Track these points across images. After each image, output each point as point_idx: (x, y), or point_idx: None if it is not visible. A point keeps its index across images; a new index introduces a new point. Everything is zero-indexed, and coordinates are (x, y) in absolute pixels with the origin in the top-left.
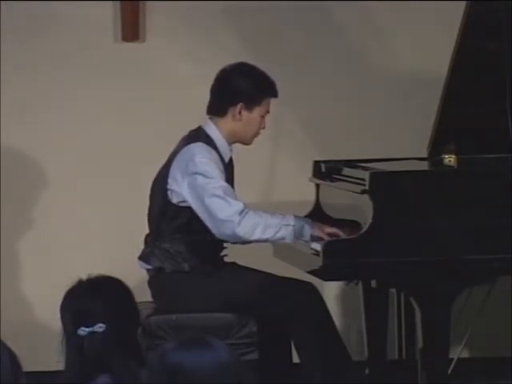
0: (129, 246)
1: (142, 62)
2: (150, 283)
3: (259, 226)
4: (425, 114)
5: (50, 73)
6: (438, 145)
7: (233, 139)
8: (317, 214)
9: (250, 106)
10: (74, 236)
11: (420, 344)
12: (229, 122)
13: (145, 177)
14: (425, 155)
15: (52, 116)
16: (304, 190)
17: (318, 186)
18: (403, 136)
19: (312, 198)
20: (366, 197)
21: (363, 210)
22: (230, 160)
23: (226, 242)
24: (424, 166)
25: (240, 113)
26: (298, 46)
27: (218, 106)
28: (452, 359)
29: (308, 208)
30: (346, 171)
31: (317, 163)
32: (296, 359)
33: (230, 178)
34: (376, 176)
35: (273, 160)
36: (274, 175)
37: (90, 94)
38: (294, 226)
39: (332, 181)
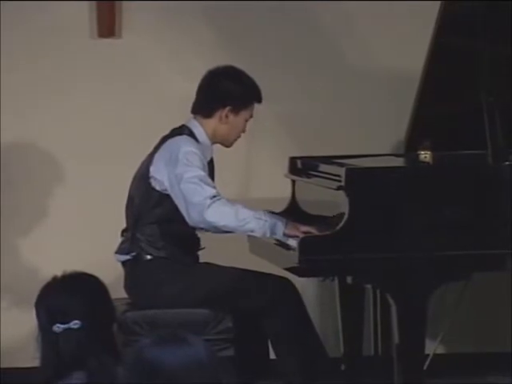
0: (105, 242)
1: (118, 58)
2: (127, 274)
3: (229, 214)
4: (401, 110)
5: (28, 69)
6: (413, 141)
7: (215, 140)
8: (293, 211)
9: (237, 110)
10: (51, 231)
11: (396, 340)
12: (214, 124)
13: (121, 174)
14: (401, 152)
15: (29, 112)
16: (280, 187)
17: (294, 182)
18: (379, 132)
19: (288, 194)
20: (341, 193)
21: (339, 206)
22: (211, 160)
23: (200, 229)
24: (400, 162)
25: (227, 116)
26: (275, 44)
27: (205, 107)
28: (428, 355)
29: (284, 204)
30: (322, 167)
31: (293, 159)
32: (273, 355)
33: (210, 178)
34: (352, 172)
35: (249, 156)
36: (249, 171)
37: (66, 89)
38: (266, 221)
39: (308, 177)
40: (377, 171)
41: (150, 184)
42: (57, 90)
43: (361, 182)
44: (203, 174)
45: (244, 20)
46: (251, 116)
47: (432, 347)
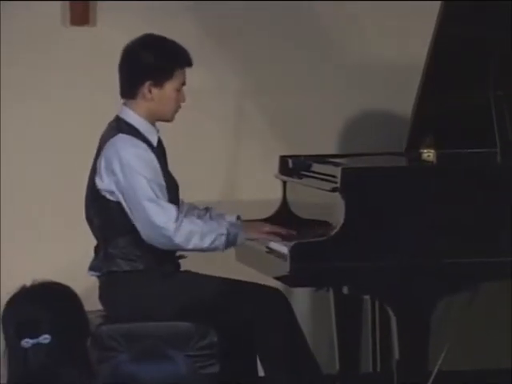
0: (79, 250)
1: (92, 47)
2: (102, 285)
3: (196, 234)
4: (401, 107)
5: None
6: (415, 139)
7: (153, 119)
8: (284, 214)
9: (160, 83)
10: (24, 238)
11: (396, 355)
12: (142, 103)
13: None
14: (401, 150)
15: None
16: (270, 188)
17: (284, 183)
18: (377, 129)
19: (278, 196)
20: (337, 195)
21: (334, 209)
22: (159, 142)
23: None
24: (401, 161)
25: (150, 91)
26: (263, 42)
27: (127, 88)
28: (431, 372)
29: (274, 207)
30: (316, 167)
31: (283, 158)
32: (262, 372)
33: (161, 162)
34: (348, 172)
35: (236, 155)
36: (237, 172)
37: (42, 79)
38: (228, 234)
39: (300, 178)
40: (376, 171)
41: (103, 197)
42: (30, 80)
43: (358, 183)
44: (154, 184)
45: (225, 13)
46: (183, 84)
47: (436, 363)
